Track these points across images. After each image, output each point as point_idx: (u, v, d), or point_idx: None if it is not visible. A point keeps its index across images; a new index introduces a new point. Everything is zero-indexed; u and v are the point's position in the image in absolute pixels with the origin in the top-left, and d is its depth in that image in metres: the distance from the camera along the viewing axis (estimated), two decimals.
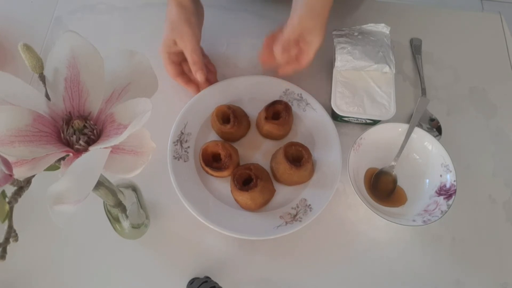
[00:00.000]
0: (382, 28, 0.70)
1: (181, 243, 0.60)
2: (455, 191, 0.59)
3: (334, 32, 0.71)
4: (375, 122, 0.67)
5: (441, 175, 0.62)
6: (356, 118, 0.67)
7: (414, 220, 0.58)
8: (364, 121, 0.68)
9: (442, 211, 0.58)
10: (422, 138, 0.64)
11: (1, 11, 0.78)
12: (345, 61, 0.67)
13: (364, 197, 0.60)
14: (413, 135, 0.64)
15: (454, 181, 0.60)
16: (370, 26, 0.71)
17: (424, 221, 0.58)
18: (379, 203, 0.62)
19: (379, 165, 0.65)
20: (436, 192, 0.62)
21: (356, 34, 0.70)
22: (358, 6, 0.82)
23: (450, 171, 0.61)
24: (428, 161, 0.64)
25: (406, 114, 0.71)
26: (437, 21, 0.81)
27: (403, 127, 0.65)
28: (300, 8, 0.59)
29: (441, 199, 0.60)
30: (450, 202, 0.58)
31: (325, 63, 0.74)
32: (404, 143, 0.64)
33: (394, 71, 0.67)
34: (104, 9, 0.79)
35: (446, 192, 0.60)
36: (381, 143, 0.65)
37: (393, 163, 0.64)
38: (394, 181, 0.64)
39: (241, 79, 0.70)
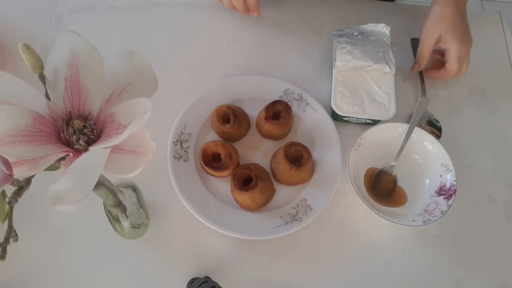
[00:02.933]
0: (382, 28, 0.70)
1: (181, 243, 0.60)
2: (455, 191, 0.59)
3: (334, 32, 0.71)
4: (375, 122, 0.67)
5: (441, 175, 0.62)
6: (356, 118, 0.67)
7: (414, 220, 0.58)
8: (364, 121, 0.68)
9: (442, 211, 0.58)
10: (422, 138, 0.64)
11: (1, 11, 0.78)
12: (345, 61, 0.67)
13: (364, 197, 0.60)
14: (413, 135, 0.64)
15: (454, 181, 0.60)
16: (370, 26, 0.71)
17: (424, 221, 0.57)
18: (379, 203, 0.62)
19: (379, 165, 0.65)
20: (436, 192, 0.62)
21: (356, 34, 0.70)
22: (358, 6, 0.82)
23: (450, 171, 0.61)
24: (428, 161, 0.64)
25: (406, 114, 0.71)
26: None
27: (403, 127, 0.64)
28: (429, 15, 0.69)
29: (441, 199, 0.60)
30: (450, 202, 0.58)
31: (325, 63, 0.75)
32: (404, 143, 0.64)
33: (394, 71, 0.67)
34: (104, 9, 0.79)
35: (446, 192, 0.60)
36: (381, 143, 0.65)
37: (393, 163, 0.64)
38: (394, 181, 0.64)
39: (241, 79, 0.70)
